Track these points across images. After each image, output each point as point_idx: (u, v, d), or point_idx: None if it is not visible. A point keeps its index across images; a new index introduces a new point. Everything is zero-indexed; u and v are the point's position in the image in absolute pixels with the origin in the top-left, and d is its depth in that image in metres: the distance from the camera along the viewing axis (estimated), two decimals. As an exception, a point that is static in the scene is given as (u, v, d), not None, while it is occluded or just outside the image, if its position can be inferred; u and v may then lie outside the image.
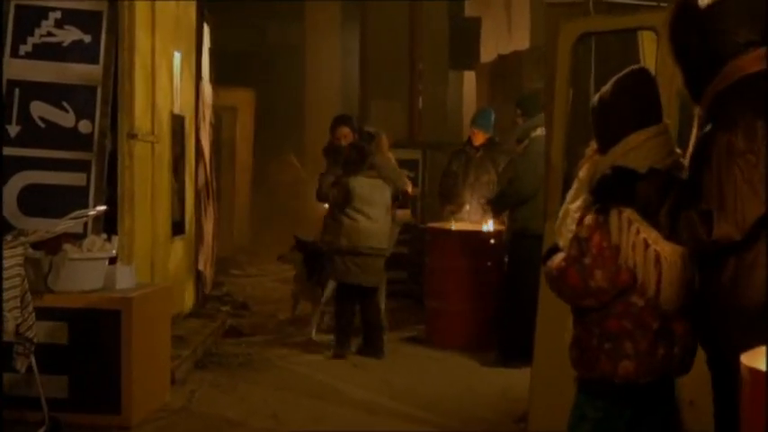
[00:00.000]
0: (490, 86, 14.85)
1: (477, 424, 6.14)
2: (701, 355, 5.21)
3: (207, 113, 9.94)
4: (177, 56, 8.28)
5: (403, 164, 11.54)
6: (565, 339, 3.44)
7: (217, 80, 11.03)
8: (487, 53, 15.91)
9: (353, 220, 7.80)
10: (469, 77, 16.64)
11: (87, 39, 6.58)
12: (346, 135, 8.14)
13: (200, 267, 9.48)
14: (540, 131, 7.68)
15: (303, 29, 19.85)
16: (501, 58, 14.79)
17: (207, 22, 9.85)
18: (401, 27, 12.70)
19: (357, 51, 15.75)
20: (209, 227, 9.92)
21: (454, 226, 8.75)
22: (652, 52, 5.25)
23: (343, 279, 7.82)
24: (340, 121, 8.35)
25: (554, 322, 5.30)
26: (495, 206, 8.14)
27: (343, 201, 7.78)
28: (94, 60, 6.59)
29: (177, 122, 8.29)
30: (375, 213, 7.82)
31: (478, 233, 8.51)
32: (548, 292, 5.35)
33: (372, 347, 7.88)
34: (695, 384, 5.17)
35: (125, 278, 6.08)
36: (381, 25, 12.81)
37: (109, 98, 6.60)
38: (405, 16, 12.74)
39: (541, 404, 5.37)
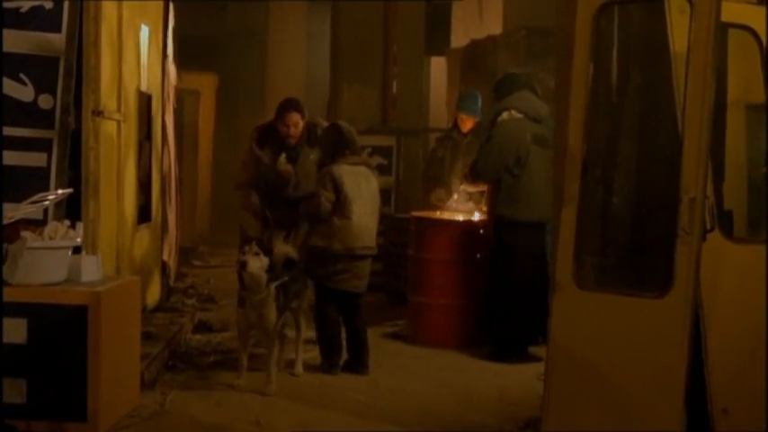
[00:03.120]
0: (462, 72, 14.42)
1: (478, 430, 5.64)
2: (733, 361, 4.83)
3: (171, 94, 9.35)
4: (145, 30, 7.67)
5: (376, 150, 11.10)
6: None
7: (179, 64, 10.43)
8: (458, 38, 15.51)
9: (346, 218, 6.75)
10: (437, 63, 16.22)
11: (48, 5, 5.97)
12: (296, 123, 7.05)
13: (165, 257, 8.90)
14: (506, 115, 7.39)
15: (266, 12, 19.30)
16: (474, 42, 14.37)
17: (172, 0, 9.24)
18: (375, 9, 12.19)
19: (324, 35, 15.25)
20: (172, 215, 9.34)
21: (440, 215, 8.25)
22: (681, 24, 4.77)
23: (335, 286, 6.82)
24: (290, 106, 7.14)
25: (570, 326, 4.85)
26: (468, 182, 8.05)
27: (335, 199, 6.72)
28: (56, 29, 5.98)
29: (143, 101, 7.69)
30: (364, 207, 6.84)
31: (467, 223, 8.03)
32: (563, 291, 4.94)
33: (359, 362, 6.89)
34: (728, 392, 4.80)
35: (91, 269, 5.51)
36: (354, 7, 12.27)
37: (72, 71, 6.00)
38: (379, -1, 12.25)
39: (557, 412, 4.87)
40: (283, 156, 7.09)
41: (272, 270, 6.32)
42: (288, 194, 7.13)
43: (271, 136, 7.11)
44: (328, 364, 6.87)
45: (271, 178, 7.11)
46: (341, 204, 6.76)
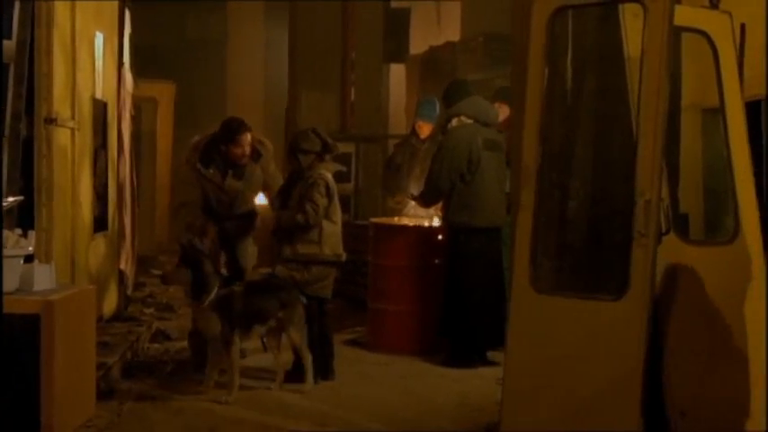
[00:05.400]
0: (421, 78, 14.45)
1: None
2: (690, 364, 4.84)
3: (128, 102, 9.25)
4: (100, 36, 7.58)
5: (335, 158, 11.04)
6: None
7: (136, 72, 10.33)
8: (417, 44, 15.54)
9: (334, 223, 6.79)
10: (396, 69, 16.24)
11: (-2, 11, 5.89)
12: (249, 143, 6.92)
13: (122, 267, 8.80)
14: (456, 122, 7.41)
15: (225, 21, 19.23)
16: (433, 49, 14.41)
17: (128, 7, 9.15)
18: (333, 16, 12.15)
19: (282, 43, 15.18)
20: (129, 223, 9.23)
21: (399, 221, 8.24)
22: (635, 29, 4.79)
23: (314, 293, 6.75)
24: (243, 127, 6.90)
25: (527, 329, 4.84)
26: (421, 202, 7.91)
27: (327, 204, 6.71)
28: (6, 35, 5.90)
29: (99, 108, 7.60)
30: (340, 212, 6.94)
31: (425, 229, 8.02)
32: (519, 294, 4.93)
33: (327, 368, 6.85)
34: (686, 395, 4.82)
35: (44, 278, 5.41)
36: (312, 14, 12.22)
37: (23, 77, 5.93)
38: (336, 5, 12.19)
39: (515, 415, 4.86)
40: (230, 174, 6.98)
41: (203, 281, 6.28)
42: (234, 211, 7.09)
43: (215, 154, 6.94)
44: (325, 371, 6.81)
45: (219, 198, 7.02)
46: (330, 210, 6.76)
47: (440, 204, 7.77)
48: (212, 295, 6.28)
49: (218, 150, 6.93)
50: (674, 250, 4.75)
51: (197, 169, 6.96)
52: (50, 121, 6.20)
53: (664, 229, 4.64)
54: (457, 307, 7.43)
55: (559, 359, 4.73)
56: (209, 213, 7.07)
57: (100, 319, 7.31)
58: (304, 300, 6.64)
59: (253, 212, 7.22)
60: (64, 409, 5.23)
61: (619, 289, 4.53)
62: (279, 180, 7.19)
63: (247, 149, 6.95)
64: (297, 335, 6.54)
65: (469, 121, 7.47)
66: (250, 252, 7.24)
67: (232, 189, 6.97)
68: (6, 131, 5.80)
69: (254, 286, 6.58)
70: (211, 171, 6.94)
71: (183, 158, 7.17)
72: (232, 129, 6.93)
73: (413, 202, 8.28)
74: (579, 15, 5.08)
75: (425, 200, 7.80)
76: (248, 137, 6.94)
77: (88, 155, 7.29)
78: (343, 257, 6.91)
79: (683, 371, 4.77)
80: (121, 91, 8.70)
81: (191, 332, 7.13)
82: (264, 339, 6.85)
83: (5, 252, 5.21)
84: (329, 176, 6.79)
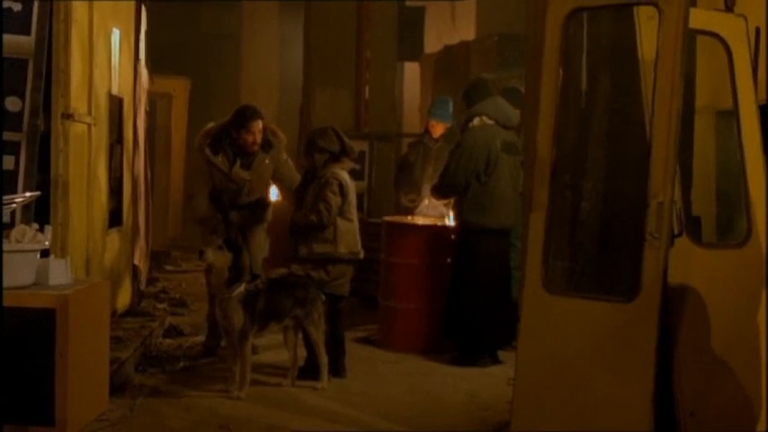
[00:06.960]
0: (435, 77, 14.46)
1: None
2: (700, 365, 4.85)
3: (143, 98, 9.30)
4: (116, 32, 7.62)
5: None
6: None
7: (152, 68, 10.39)
8: (432, 43, 15.56)
9: (350, 221, 6.85)
10: (411, 68, 16.25)
11: (17, 7, 5.94)
12: (260, 130, 7.00)
13: (136, 262, 8.84)
14: (477, 121, 7.41)
15: (239, 17, 19.29)
16: (447, 48, 14.42)
17: (144, 4, 9.20)
18: (348, 14, 12.16)
19: (297, 40, 15.22)
20: (143, 219, 9.28)
21: (412, 220, 8.27)
22: (649, 30, 4.80)
23: (332, 291, 6.79)
24: (255, 114, 6.98)
25: (539, 330, 4.87)
26: (434, 194, 7.98)
27: (341, 203, 6.76)
28: (26, 31, 5.95)
29: (115, 104, 7.64)
30: (355, 210, 6.97)
31: (438, 228, 8.04)
32: (530, 295, 4.95)
33: (339, 365, 6.87)
34: (696, 396, 4.83)
35: (59, 273, 5.46)
36: (327, 11, 12.24)
37: (42, 73, 5.97)
38: (351, 3, 12.21)
39: (525, 415, 4.88)
40: (238, 162, 7.03)
41: (240, 271, 6.26)
42: (242, 201, 7.12)
43: (225, 142, 7.00)
44: (336, 368, 6.84)
45: (226, 186, 7.06)
46: (344, 208, 6.81)
47: (452, 203, 7.79)
48: (242, 287, 6.29)
49: (228, 138, 6.99)
50: (686, 253, 4.76)
51: (205, 155, 7.01)
52: (67, 116, 6.23)
53: (676, 232, 4.64)
54: (462, 306, 7.45)
55: (571, 360, 4.75)
56: (217, 202, 7.12)
57: (113, 313, 7.36)
58: (323, 297, 6.67)
59: (263, 202, 7.24)
60: (77, 403, 5.28)
61: (630, 291, 4.54)
62: (291, 168, 7.26)
63: (258, 137, 7.00)
64: (316, 332, 6.57)
65: (491, 122, 7.47)
66: (261, 244, 7.26)
67: (239, 177, 7.02)
68: (24, 127, 5.84)
69: (276, 283, 6.58)
70: (219, 158, 7.00)
71: (195, 144, 7.22)
72: (245, 115, 7.01)
73: (426, 201, 8.31)
74: (594, 17, 5.10)
75: (438, 192, 7.83)
76: (260, 124, 7.01)
77: (104, 150, 7.33)
78: (361, 255, 6.95)
79: (693, 372, 4.77)
80: (137, 87, 8.75)
81: (208, 315, 7.19)
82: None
83: (22, 246, 5.27)
84: (343, 175, 6.82)
